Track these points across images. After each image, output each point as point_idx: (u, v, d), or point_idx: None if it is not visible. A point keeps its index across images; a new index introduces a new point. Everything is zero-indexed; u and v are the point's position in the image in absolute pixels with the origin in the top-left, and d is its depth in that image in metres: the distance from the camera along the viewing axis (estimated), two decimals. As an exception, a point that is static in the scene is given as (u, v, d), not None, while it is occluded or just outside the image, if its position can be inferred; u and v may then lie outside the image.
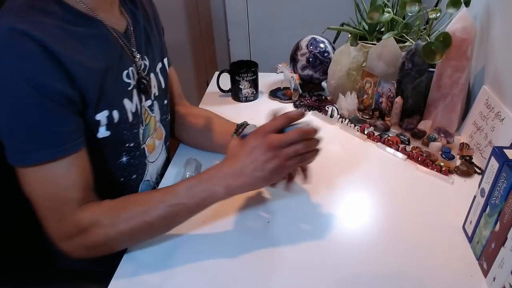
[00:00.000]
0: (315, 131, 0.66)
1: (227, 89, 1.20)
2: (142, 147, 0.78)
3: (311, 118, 1.08)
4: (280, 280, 0.62)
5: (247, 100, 1.17)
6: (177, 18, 2.13)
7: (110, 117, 0.66)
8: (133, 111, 0.72)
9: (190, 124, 0.94)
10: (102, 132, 0.67)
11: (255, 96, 1.18)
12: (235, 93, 1.17)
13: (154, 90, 0.81)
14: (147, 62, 0.78)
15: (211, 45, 2.15)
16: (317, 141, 0.67)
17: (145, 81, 0.75)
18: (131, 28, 0.75)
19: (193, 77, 2.34)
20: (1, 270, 0.79)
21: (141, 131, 0.76)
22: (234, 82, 1.15)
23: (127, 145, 0.73)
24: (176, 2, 2.09)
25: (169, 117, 0.89)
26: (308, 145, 0.65)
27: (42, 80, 0.56)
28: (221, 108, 1.15)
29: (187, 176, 0.83)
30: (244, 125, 0.85)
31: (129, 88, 0.71)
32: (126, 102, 0.70)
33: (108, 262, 0.75)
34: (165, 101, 0.86)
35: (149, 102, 0.78)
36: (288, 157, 0.63)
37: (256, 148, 0.63)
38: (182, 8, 2.11)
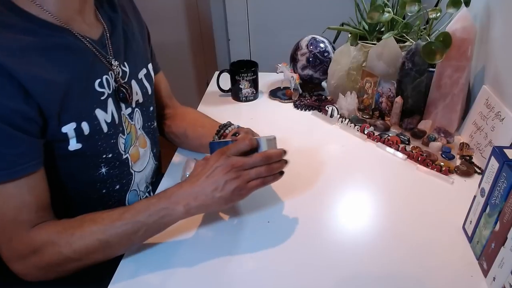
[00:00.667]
0: (280, 154, 0.66)
1: (227, 89, 1.20)
2: (125, 157, 0.76)
3: (311, 118, 1.08)
4: (280, 280, 0.62)
5: (247, 100, 1.17)
6: (177, 18, 2.13)
7: (78, 129, 0.64)
8: (109, 121, 0.69)
9: (176, 125, 0.93)
10: (73, 145, 0.65)
11: (255, 96, 1.18)
12: (235, 93, 1.17)
13: (137, 97, 0.78)
14: (126, 69, 0.76)
15: (211, 45, 2.15)
16: (281, 164, 0.67)
17: (124, 90, 0.72)
18: (107, 34, 0.72)
19: (193, 77, 2.34)
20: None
21: (121, 140, 0.74)
22: (234, 82, 1.15)
23: (104, 156, 0.71)
24: (176, 2, 2.09)
25: (155, 124, 0.87)
26: (270, 169, 0.65)
27: None
28: (221, 108, 1.15)
29: (187, 176, 0.82)
30: (227, 125, 0.85)
31: (103, 98, 0.69)
32: (99, 112, 0.68)
33: (107, 263, 0.74)
34: (151, 108, 0.84)
35: (129, 110, 0.76)
36: (249, 179, 0.64)
37: (217, 168, 0.63)
38: (182, 8, 2.11)
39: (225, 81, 1.18)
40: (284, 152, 0.67)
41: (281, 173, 0.68)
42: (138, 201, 0.66)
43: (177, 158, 0.92)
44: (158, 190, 0.83)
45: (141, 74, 0.81)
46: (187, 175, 0.82)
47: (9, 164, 0.58)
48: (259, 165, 0.64)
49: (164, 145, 0.96)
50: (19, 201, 0.60)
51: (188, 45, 2.21)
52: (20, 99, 0.56)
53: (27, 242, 0.61)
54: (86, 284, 0.76)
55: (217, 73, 1.21)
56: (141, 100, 0.80)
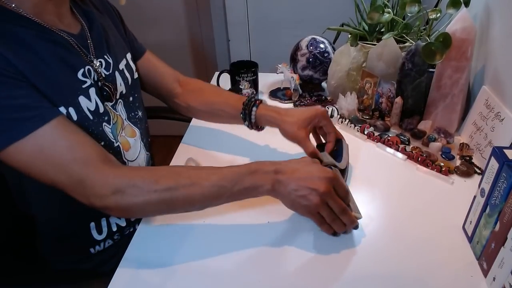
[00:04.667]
0: (354, 223, 0.68)
1: (227, 89, 1.20)
2: (116, 144, 0.76)
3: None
4: (280, 280, 0.62)
5: (247, 100, 1.17)
6: (177, 18, 2.13)
7: (68, 115, 0.65)
8: (92, 109, 0.70)
9: (194, 105, 0.94)
10: None
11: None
12: (235, 93, 1.17)
13: (121, 88, 0.79)
14: (110, 60, 0.77)
15: (211, 45, 2.16)
16: (342, 228, 0.68)
17: (107, 88, 0.73)
18: (87, 30, 0.74)
19: (193, 77, 2.34)
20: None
21: (107, 129, 0.74)
22: (234, 82, 1.15)
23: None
24: (176, 2, 2.09)
25: (140, 113, 0.86)
26: (339, 224, 0.67)
27: None
28: (221, 108, 1.15)
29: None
30: (250, 104, 0.85)
31: (84, 86, 0.69)
32: (82, 99, 0.68)
33: (107, 263, 0.74)
34: (131, 98, 0.83)
35: (113, 101, 0.77)
36: (324, 209, 0.65)
37: (313, 180, 0.64)
38: (182, 9, 2.11)
39: (225, 81, 1.18)
40: (356, 227, 0.69)
41: (334, 234, 0.69)
42: (228, 167, 0.66)
43: (177, 158, 0.92)
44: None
45: (122, 65, 0.81)
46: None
47: (38, 110, 0.59)
48: (336, 214, 0.66)
49: (164, 146, 0.96)
50: (66, 141, 0.61)
51: (188, 45, 2.21)
52: (15, 65, 0.58)
53: (104, 181, 0.61)
54: (87, 284, 0.76)
55: (217, 73, 1.21)
56: (124, 91, 0.80)
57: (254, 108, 0.85)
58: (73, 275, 0.82)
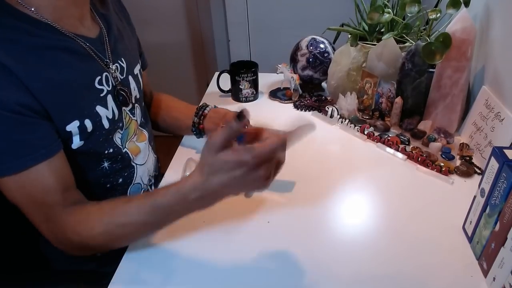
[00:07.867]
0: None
1: (227, 89, 1.20)
2: (124, 151, 0.77)
3: (311, 118, 1.08)
4: (280, 280, 0.63)
5: (247, 100, 1.17)
6: (177, 18, 2.13)
7: (82, 127, 0.65)
8: (110, 117, 0.70)
9: (153, 113, 0.96)
10: (76, 143, 0.66)
11: (255, 97, 1.18)
12: (235, 94, 1.17)
13: (135, 93, 0.79)
14: (124, 64, 0.77)
15: (211, 45, 2.16)
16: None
17: (123, 93, 0.73)
18: (105, 33, 0.73)
19: (193, 78, 2.34)
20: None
21: (117, 135, 0.74)
22: (234, 83, 1.15)
23: (106, 152, 0.72)
24: (176, 2, 2.09)
25: (145, 118, 0.87)
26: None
27: None
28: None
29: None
30: (203, 106, 0.88)
31: (102, 95, 0.69)
32: (100, 109, 0.68)
33: (108, 263, 0.74)
34: (142, 103, 0.85)
35: (130, 106, 0.77)
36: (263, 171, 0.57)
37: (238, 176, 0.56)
38: (182, 8, 2.11)
39: (225, 81, 1.18)
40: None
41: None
42: (170, 195, 0.61)
43: (177, 158, 0.92)
44: (162, 185, 0.83)
45: (136, 69, 0.82)
46: (187, 176, 0.82)
47: (33, 149, 0.59)
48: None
49: (164, 146, 0.96)
50: (45, 185, 0.62)
51: (188, 45, 2.22)
52: (24, 94, 0.57)
53: (62, 223, 0.63)
54: (87, 284, 0.76)
55: (217, 73, 1.21)
56: (138, 96, 0.81)
57: (208, 108, 0.89)
58: (76, 275, 0.82)
